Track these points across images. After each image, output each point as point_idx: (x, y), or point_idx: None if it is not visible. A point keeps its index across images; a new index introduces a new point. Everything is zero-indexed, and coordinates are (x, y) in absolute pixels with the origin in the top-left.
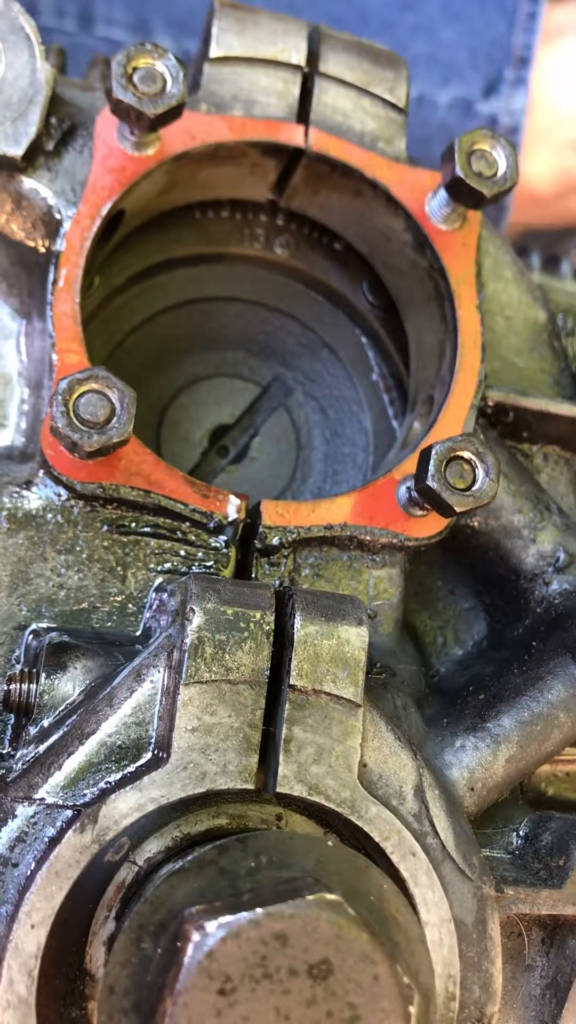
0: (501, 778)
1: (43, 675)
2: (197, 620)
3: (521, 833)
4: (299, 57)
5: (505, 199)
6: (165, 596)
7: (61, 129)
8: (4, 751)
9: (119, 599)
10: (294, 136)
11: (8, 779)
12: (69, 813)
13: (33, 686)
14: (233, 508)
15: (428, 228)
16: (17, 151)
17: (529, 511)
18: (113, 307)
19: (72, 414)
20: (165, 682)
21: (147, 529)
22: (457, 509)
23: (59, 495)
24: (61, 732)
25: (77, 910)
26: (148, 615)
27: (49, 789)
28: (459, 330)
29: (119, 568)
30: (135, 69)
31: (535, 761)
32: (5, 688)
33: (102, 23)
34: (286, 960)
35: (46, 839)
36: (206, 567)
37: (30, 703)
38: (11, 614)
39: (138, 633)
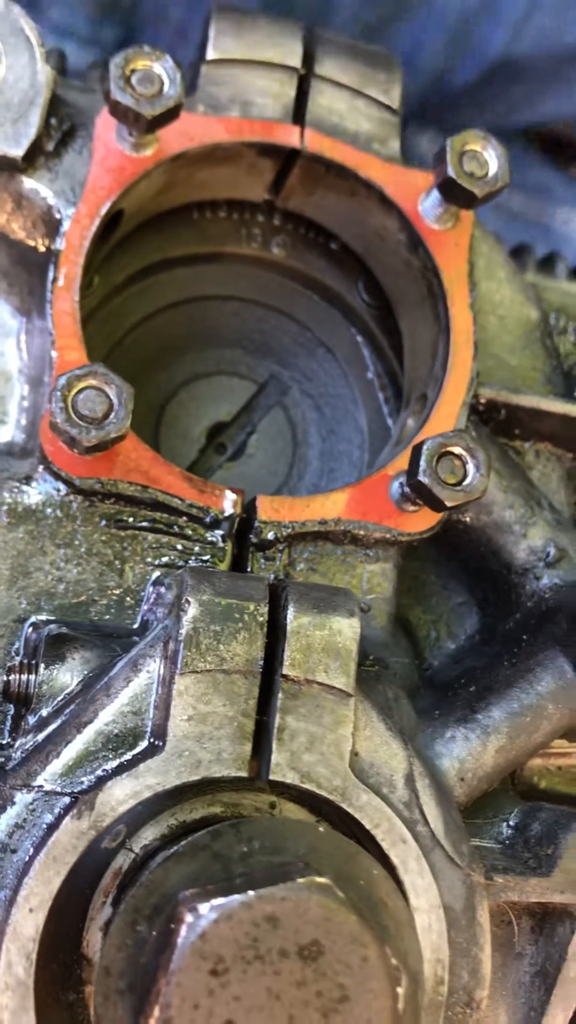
0: (491, 768)
1: (42, 666)
2: (192, 611)
3: (511, 823)
4: (295, 59)
5: None
6: (162, 589)
7: (61, 130)
8: (4, 740)
9: (117, 592)
10: (290, 137)
11: (7, 767)
12: (67, 800)
13: (32, 677)
14: (229, 503)
15: (421, 228)
16: (18, 152)
17: (520, 507)
18: (112, 306)
19: (71, 410)
20: (161, 672)
21: (145, 524)
22: (448, 504)
23: (58, 490)
24: (59, 721)
25: (74, 895)
26: (145, 608)
27: (47, 777)
28: (452, 328)
29: (117, 562)
30: (133, 71)
31: (525, 752)
32: (5, 679)
33: None
34: (277, 942)
35: (44, 825)
36: (202, 561)
37: (29, 693)
38: (11, 607)
39: (136, 626)
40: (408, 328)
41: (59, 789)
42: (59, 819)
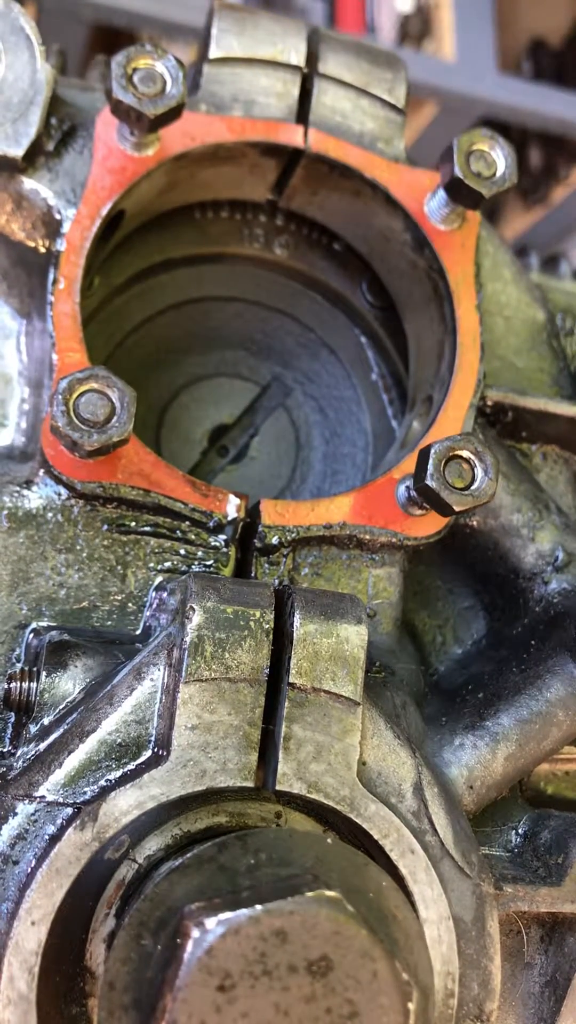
0: (500, 776)
1: (44, 673)
2: (197, 618)
3: (520, 831)
4: (298, 58)
5: None
6: (165, 595)
7: (61, 130)
8: (5, 749)
9: (119, 598)
10: (293, 136)
11: (9, 777)
12: (69, 811)
13: (34, 684)
14: (233, 507)
15: (427, 228)
16: (18, 152)
17: (528, 510)
18: (113, 307)
19: (72, 413)
20: (165, 680)
21: (147, 528)
22: (456, 508)
23: (59, 494)
24: (62, 730)
25: (77, 907)
26: (148, 614)
27: (50, 787)
28: (458, 330)
29: (119, 567)
30: (135, 70)
31: (534, 759)
32: (6, 686)
33: None
34: (285, 957)
35: (46, 837)
36: (206, 566)
37: (31, 701)
38: (11, 613)
39: (138, 632)
40: (413, 329)
41: (61, 799)
42: (61, 830)
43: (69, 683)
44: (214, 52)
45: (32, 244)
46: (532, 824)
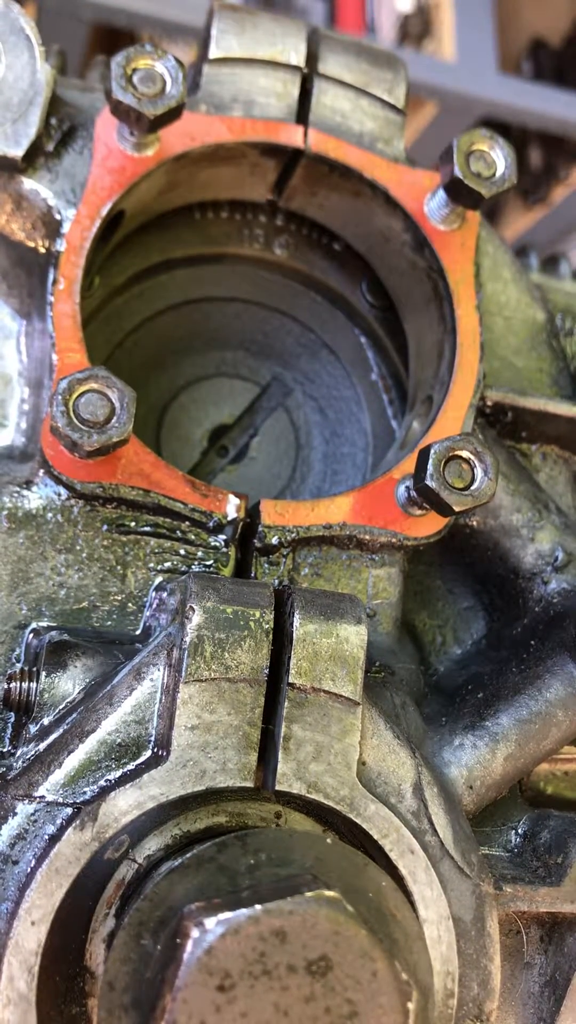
0: (500, 776)
1: (43, 673)
2: (197, 618)
3: (520, 831)
4: (298, 58)
5: None
6: (165, 595)
7: (61, 130)
8: (5, 749)
9: (119, 598)
10: (293, 137)
11: (9, 777)
12: (69, 811)
13: (33, 684)
14: (232, 507)
15: (427, 228)
16: (17, 152)
17: (528, 510)
18: (113, 307)
19: (72, 414)
20: (165, 680)
21: (147, 528)
22: (456, 508)
23: (59, 494)
24: (61, 730)
25: (77, 907)
26: (148, 614)
27: (49, 787)
28: (458, 330)
29: (119, 567)
30: (135, 70)
31: (534, 759)
32: (5, 686)
33: None
34: (285, 957)
35: (46, 836)
36: (206, 566)
37: (30, 701)
38: (11, 613)
39: (138, 632)
40: (413, 329)
41: (61, 799)
42: (61, 830)
43: (69, 683)
44: (214, 52)
45: (32, 244)
46: (532, 824)
